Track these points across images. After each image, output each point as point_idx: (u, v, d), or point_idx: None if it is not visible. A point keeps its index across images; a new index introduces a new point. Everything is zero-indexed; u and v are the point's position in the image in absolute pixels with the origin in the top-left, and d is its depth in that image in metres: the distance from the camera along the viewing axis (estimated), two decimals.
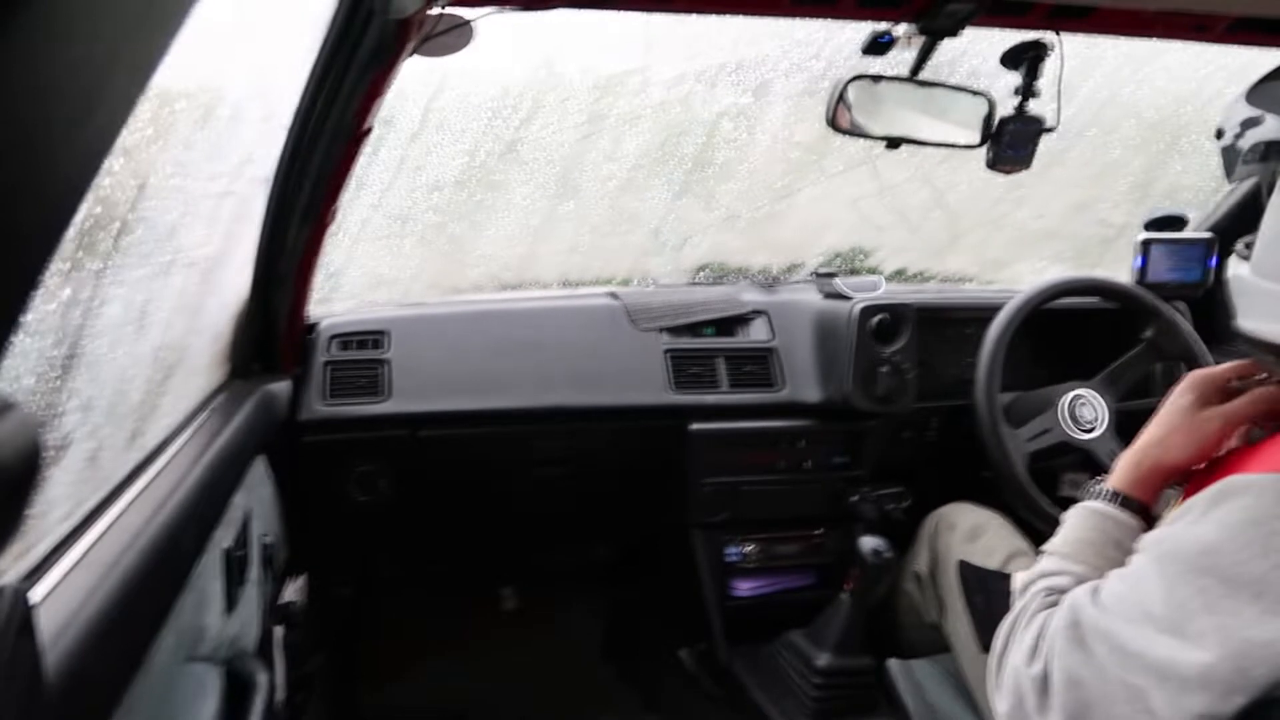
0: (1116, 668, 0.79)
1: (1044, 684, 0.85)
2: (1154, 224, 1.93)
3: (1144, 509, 0.97)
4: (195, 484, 0.96)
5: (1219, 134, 1.97)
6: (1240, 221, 1.92)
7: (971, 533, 1.57)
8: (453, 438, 1.67)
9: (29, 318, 0.42)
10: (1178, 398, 0.98)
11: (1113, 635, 0.80)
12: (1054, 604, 0.90)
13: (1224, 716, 0.72)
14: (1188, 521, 0.79)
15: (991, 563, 1.49)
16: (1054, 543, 1.00)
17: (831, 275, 1.93)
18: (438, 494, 1.77)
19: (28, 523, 0.50)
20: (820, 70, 2.17)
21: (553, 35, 2.02)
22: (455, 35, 1.13)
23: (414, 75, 1.72)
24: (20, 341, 0.69)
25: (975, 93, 1.32)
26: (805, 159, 2.36)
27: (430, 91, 2.01)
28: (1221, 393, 0.97)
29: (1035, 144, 1.30)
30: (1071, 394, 1.69)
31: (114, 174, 0.83)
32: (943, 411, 1.86)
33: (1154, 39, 1.23)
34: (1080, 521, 0.99)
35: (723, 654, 1.81)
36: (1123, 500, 0.97)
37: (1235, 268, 0.91)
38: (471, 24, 1.12)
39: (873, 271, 2.28)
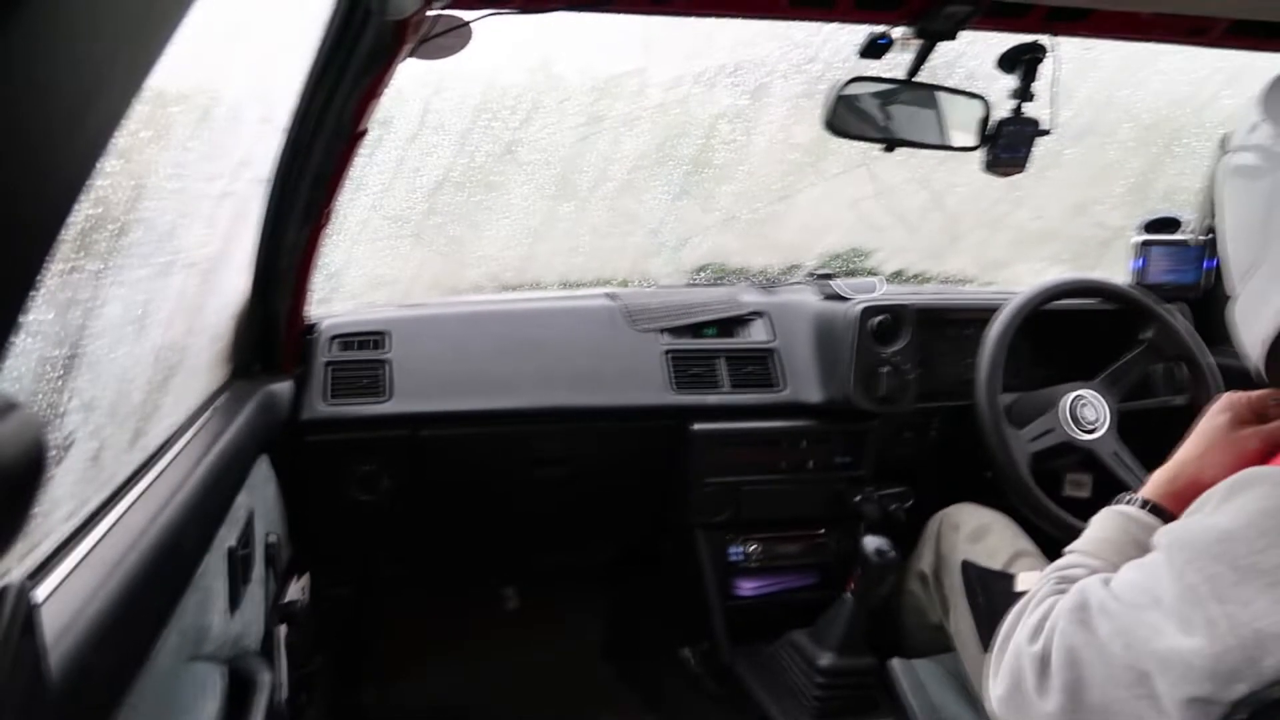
0: (1121, 650, 0.78)
1: (1044, 663, 0.84)
2: (1151, 226, 1.94)
3: (1171, 519, 0.97)
4: (198, 484, 0.96)
5: (1223, 143, 1.96)
6: None
7: (976, 533, 1.57)
8: (453, 438, 1.68)
9: (30, 318, 0.42)
10: (1213, 417, 0.99)
11: (1119, 617, 0.79)
12: (1064, 591, 0.90)
13: (1223, 702, 0.71)
14: (1204, 513, 0.79)
15: (995, 563, 1.50)
16: (1076, 544, 1.00)
17: (830, 276, 1.94)
18: (439, 494, 1.77)
19: (31, 522, 0.50)
20: (818, 72, 2.17)
21: (551, 37, 2.03)
22: (453, 37, 1.14)
23: (412, 76, 1.73)
24: (22, 341, 0.69)
25: (972, 95, 1.32)
26: (803, 160, 2.36)
27: (428, 93, 2.01)
28: (1256, 413, 0.97)
29: (1032, 146, 1.31)
30: (1073, 394, 1.69)
31: (113, 174, 0.83)
32: (944, 412, 1.86)
33: (1150, 42, 1.24)
34: (1104, 522, 0.99)
35: (725, 654, 1.81)
36: (1152, 507, 0.97)
37: None
38: (469, 25, 1.12)
39: (871, 273, 2.29)
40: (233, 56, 1.07)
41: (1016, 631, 0.91)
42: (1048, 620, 0.87)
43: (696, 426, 1.75)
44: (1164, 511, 0.96)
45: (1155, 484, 1.00)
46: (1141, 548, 0.90)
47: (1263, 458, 0.93)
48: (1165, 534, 0.81)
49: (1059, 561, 0.99)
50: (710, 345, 1.83)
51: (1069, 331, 1.94)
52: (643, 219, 2.34)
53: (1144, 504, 0.98)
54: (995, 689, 0.90)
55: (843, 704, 1.61)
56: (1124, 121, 2.43)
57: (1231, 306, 0.88)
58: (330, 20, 1.12)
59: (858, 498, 1.79)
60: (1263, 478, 0.76)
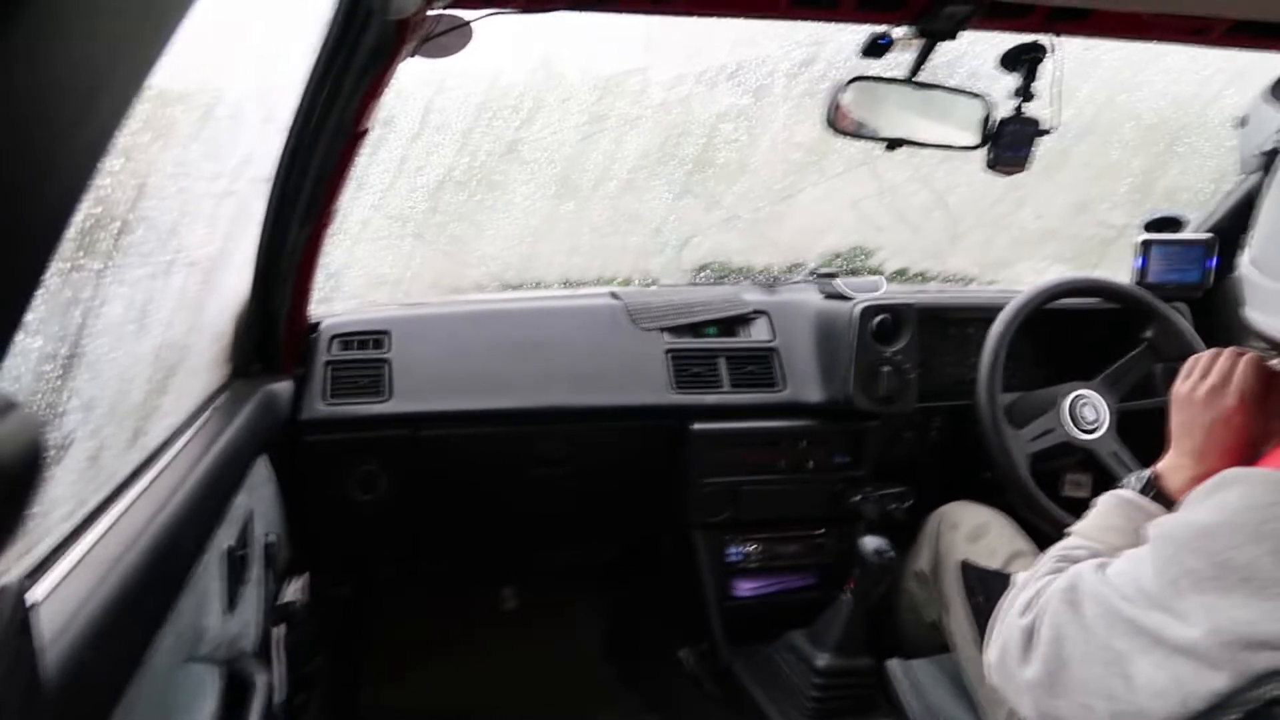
0: (1103, 630, 0.82)
1: (1030, 636, 0.89)
2: (1153, 225, 1.93)
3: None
4: (197, 484, 0.96)
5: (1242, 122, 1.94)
6: (1239, 222, 1.92)
7: (974, 532, 1.58)
8: (454, 438, 1.68)
9: (30, 317, 0.42)
10: (1204, 408, 1.02)
11: (1106, 600, 0.83)
12: (1062, 570, 0.93)
13: (1197, 697, 0.74)
14: (1190, 510, 0.82)
15: (993, 563, 1.50)
16: (1080, 525, 1.03)
17: (832, 275, 1.93)
18: (438, 494, 1.77)
19: (29, 522, 0.50)
20: (820, 72, 2.17)
21: (553, 36, 2.03)
22: (454, 36, 1.14)
23: (414, 76, 1.73)
24: (21, 341, 0.69)
25: (973, 94, 1.32)
26: (805, 160, 2.36)
27: (430, 92, 2.01)
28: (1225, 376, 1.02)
29: (1034, 145, 1.31)
30: (1073, 394, 1.69)
31: (114, 174, 0.83)
32: (944, 411, 1.86)
33: (1152, 42, 1.24)
34: (1110, 509, 1.02)
35: (723, 654, 1.81)
36: (1157, 495, 1.00)
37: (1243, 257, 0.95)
38: (470, 25, 1.12)
39: (873, 272, 2.28)
40: (235, 56, 1.07)
41: (1014, 605, 0.95)
42: (1039, 597, 0.91)
43: (696, 426, 1.75)
44: (1168, 499, 0.99)
45: (1170, 473, 1.02)
46: (1144, 536, 0.92)
47: (1242, 416, 0.98)
48: (1155, 527, 0.85)
49: (1063, 542, 1.02)
50: (711, 344, 1.83)
51: (1070, 331, 1.93)
52: (645, 218, 2.34)
53: (1152, 490, 1.00)
54: (989, 654, 0.96)
55: (840, 704, 1.61)
56: (1126, 121, 2.43)
57: (1249, 279, 0.89)
58: (332, 19, 1.12)
59: (856, 498, 1.79)
60: (1242, 478, 0.79)
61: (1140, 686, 0.77)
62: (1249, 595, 0.72)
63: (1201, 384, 1.02)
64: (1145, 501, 0.99)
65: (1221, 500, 0.78)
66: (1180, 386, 1.05)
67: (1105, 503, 1.03)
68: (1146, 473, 1.03)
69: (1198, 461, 1.00)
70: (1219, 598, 0.74)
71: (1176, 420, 1.04)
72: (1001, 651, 0.92)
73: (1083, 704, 0.82)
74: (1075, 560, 0.95)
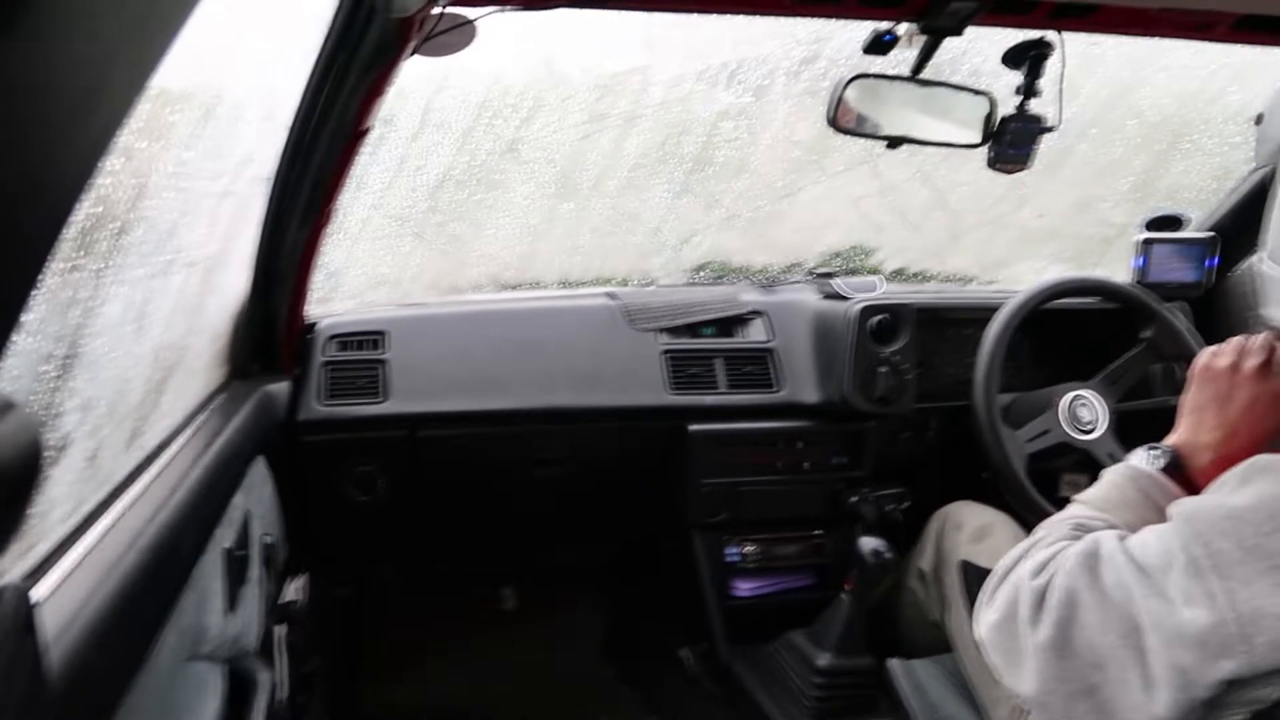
0: (1120, 600, 0.80)
1: (1042, 597, 0.86)
2: (1154, 224, 1.93)
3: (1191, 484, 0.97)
4: (195, 484, 0.96)
5: (1259, 119, 1.92)
6: (1242, 220, 1.91)
7: (978, 533, 1.57)
8: (451, 438, 1.67)
9: (29, 318, 0.42)
10: (1229, 379, 1.00)
11: (1125, 571, 0.81)
12: (1078, 537, 0.91)
13: (1205, 682, 0.73)
14: (1221, 493, 0.81)
15: (995, 564, 1.49)
16: (1089, 495, 1.01)
17: (830, 275, 1.93)
18: (437, 494, 1.77)
19: (29, 522, 0.50)
20: (821, 69, 2.17)
21: (553, 34, 2.02)
22: (456, 34, 1.13)
23: (415, 74, 1.72)
24: (20, 341, 0.69)
25: (976, 92, 1.32)
26: (806, 158, 2.35)
27: (431, 90, 2.01)
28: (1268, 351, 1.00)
29: (1036, 143, 1.30)
30: (1071, 394, 1.69)
31: (114, 174, 0.83)
32: (942, 412, 1.86)
33: (1156, 38, 1.23)
34: (1124, 481, 0.99)
35: (723, 654, 1.80)
36: (1174, 468, 0.98)
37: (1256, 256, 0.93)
38: (473, 23, 1.12)
39: (873, 271, 2.28)
40: (236, 54, 1.07)
41: (1019, 565, 0.93)
42: (1054, 560, 0.89)
43: (693, 427, 1.74)
44: (1188, 479, 0.97)
45: (1194, 450, 0.99)
46: (1158, 510, 0.91)
47: (1257, 399, 0.96)
48: (1181, 505, 0.83)
49: (1074, 510, 0.99)
50: (708, 345, 1.82)
51: (1069, 331, 1.93)
52: (644, 217, 2.34)
53: (1171, 463, 0.98)
54: (988, 615, 0.93)
55: (841, 704, 1.61)
56: (1128, 118, 2.42)
57: (1268, 275, 0.89)
58: (334, 18, 1.12)
59: (854, 498, 1.79)
60: (1272, 465, 0.79)
61: (1150, 662, 0.76)
62: (1276, 584, 0.71)
63: (1246, 359, 0.99)
64: (1164, 479, 0.96)
65: (1255, 488, 0.78)
66: (1214, 361, 1.01)
67: (1119, 475, 1.00)
68: (1163, 447, 1.00)
69: (1227, 438, 0.97)
70: (1241, 583, 0.73)
71: (1204, 394, 1.01)
72: (1007, 613, 0.90)
73: (1091, 672, 0.81)
74: (1091, 529, 0.92)
